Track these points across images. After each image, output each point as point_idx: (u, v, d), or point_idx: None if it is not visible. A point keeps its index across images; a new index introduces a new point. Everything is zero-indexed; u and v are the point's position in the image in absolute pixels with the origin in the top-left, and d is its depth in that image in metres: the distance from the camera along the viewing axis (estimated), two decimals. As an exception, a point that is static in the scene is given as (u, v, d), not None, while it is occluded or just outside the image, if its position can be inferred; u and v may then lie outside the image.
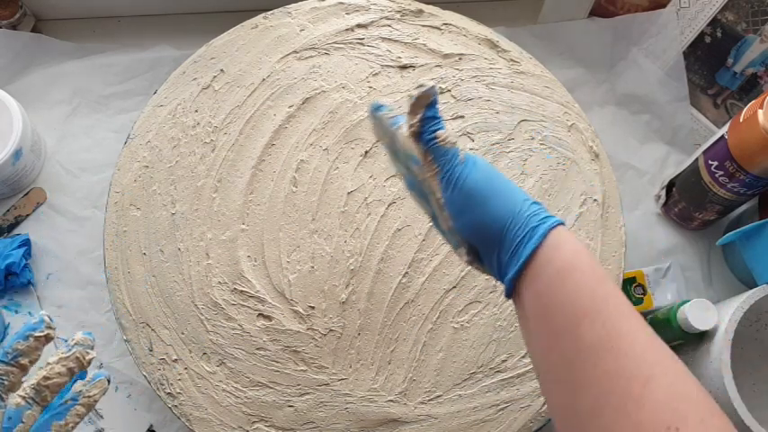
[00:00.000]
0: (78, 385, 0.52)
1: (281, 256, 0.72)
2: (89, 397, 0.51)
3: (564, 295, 0.46)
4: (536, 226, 0.48)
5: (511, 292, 0.50)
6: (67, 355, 0.50)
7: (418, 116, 0.50)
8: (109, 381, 0.53)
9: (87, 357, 0.51)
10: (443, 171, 0.51)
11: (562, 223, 0.49)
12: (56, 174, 0.90)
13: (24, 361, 0.48)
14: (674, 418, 0.39)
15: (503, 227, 0.49)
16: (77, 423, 0.51)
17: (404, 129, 0.53)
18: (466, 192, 0.50)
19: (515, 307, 0.51)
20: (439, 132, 0.50)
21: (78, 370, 0.51)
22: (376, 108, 0.56)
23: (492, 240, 0.50)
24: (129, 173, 0.76)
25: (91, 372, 0.53)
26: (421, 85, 0.49)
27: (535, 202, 0.50)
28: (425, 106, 0.50)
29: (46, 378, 0.49)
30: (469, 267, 0.71)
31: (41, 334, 0.49)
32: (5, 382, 0.48)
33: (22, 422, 0.48)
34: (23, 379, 0.49)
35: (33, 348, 0.49)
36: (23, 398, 0.48)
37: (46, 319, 0.50)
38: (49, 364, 0.50)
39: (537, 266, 0.48)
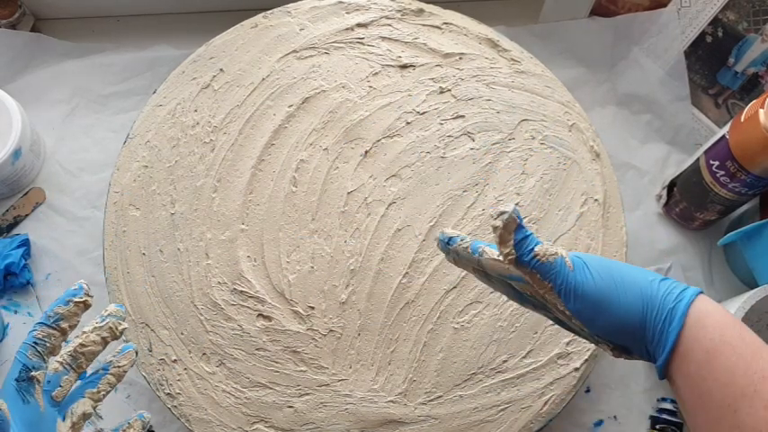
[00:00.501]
0: (108, 356, 0.56)
1: (280, 257, 0.72)
2: (119, 367, 0.56)
3: (716, 377, 0.44)
4: (673, 307, 0.47)
5: (664, 376, 0.48)
6: (101, 324, 0.55)
7: (509, 243, 0.48)
8: (137, 353, 0.57)
9: (120, 328, 0.55)
10: (558, 285, 0.49)
11: (701, 292, 0.48)
12: (55, 173, 0.90)
13: (64, 325, 0.51)
14: None
15: (641, 320, 0.47)
16: (108, 392, 0.55)
17: (488, 253, 0.52)
18: (590, 299, 0.48)
19: (672, 388, 0.49)
20: (538, 249, 0.48)
21: (111, 339, 0.55)
22: (447, 241, 0.55)
23: (634, 336, 0.48)
24: (128, 173, 0.76)
25: (119, 344, 0.58)
26: (502, 213, 0.47)
27: (664, 279, 0.48)
28: (513, 231, 0.48)
29: (82, 345, 0.53)
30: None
31: (81, 300, 0.52)
32: (47, 345, 0.50)
33: (60, 386, 0.52)
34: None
35: (73, 313, 0.52)
36: (61, 363, 0.52)
37: (85, 286, 0.53)
38: (84, 332, 0.54)
39: (685, 349, 0.46)
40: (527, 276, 0.50)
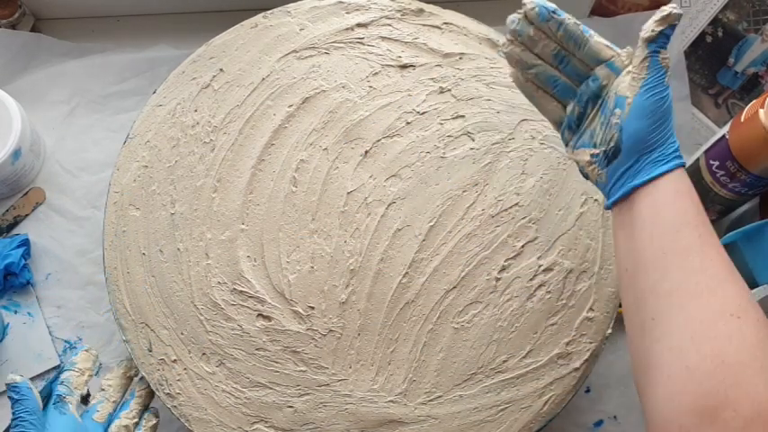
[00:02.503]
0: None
1: (280, 257, 0.72)
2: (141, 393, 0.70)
3: (677, 207, 0.54)
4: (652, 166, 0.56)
5: (617, 201, 0.58)
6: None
7: (660, 28, 0.55)
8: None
9: (131, 372, 0.72)
10: (651, 79, 0.56)
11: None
12: (55, 173, 0.90)
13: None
14: (738, 310, 0.48)
15: (662, 142, 0.56)
16: (141, 411, 0.69)
17: (594, 36, 0.60)
18: (663, 104, 0.57)
19: (615, 215, 0.59)
20: (664, 50, 0.56)
21: (132, 374, 0.72)
22: (552, 11, 0.60)
23: (644, 149, 0.56)
24: (128, 173, 0.76)
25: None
26: (675, 7, 0.55)
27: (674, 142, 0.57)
28: (669, 25, 0.55)
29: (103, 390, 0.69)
30: (469, 267, 0.72)
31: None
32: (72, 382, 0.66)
33: (98, 411, 0.66)
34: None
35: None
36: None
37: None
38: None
39: (633, 205, 0.56)
40: (638, 60, 0.57)
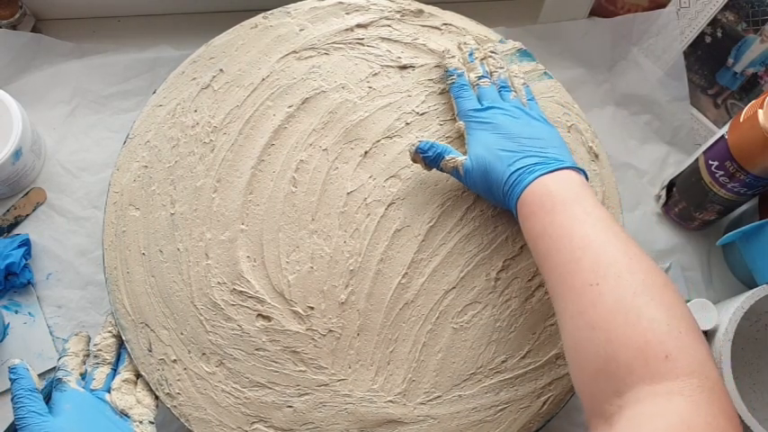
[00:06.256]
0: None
1: (280, 257, 0.72)
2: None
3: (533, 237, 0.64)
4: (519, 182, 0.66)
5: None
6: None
7: (419, 162, 0.74)
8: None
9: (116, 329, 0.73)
10: (457, 176, 0.72)
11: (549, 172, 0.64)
12: (56, 174, 0.90)
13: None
14: (596, 277, 0.55)
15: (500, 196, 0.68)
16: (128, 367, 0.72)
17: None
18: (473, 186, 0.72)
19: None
20: (442, 164, 0.72)
21: (117, 332, 0.73)
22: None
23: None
24: (128, 173, 0.76)
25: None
26: (412, 146, 0.73)
27: (518, 170, 0.66)
28: (419, 158, 0.73)
29: (95, 345, 0.71)
30: (468, 268, 0.72)
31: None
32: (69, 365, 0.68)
33: (94, 378, 0.68)
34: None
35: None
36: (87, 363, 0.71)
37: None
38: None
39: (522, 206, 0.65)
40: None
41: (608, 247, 0.57)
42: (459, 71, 0.76)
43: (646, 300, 0.53)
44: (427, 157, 0.72)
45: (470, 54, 0.77)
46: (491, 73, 0.76)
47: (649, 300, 0.53)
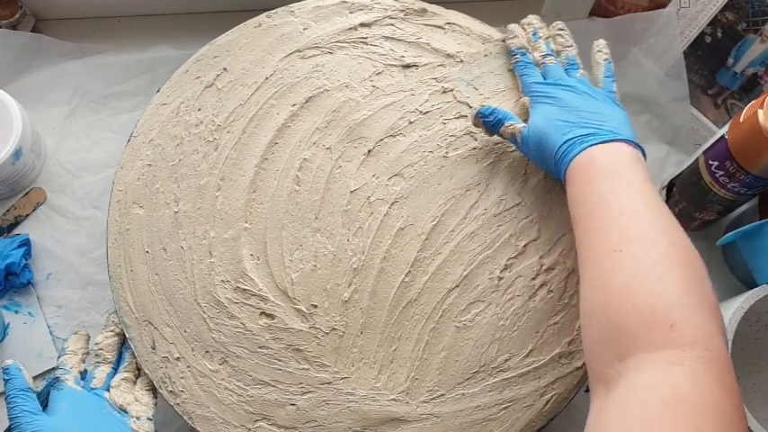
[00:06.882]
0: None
1: (283, 255, 0.72)
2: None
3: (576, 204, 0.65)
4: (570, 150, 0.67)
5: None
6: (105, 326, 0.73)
7: (481, 127, 0.75)
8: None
9: (119, 325, 0.73)
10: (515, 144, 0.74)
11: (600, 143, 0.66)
12: (56, 174, 0.90)
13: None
14: (620, 244, 0.56)
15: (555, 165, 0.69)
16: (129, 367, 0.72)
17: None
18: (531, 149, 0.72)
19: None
20: (502, 130, 0.74)
21: (119, 330, 0.73)
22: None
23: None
24: (132, 171, 0.76)
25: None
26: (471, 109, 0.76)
27: (571, 139, 0.67)
28: (481, 122, 0.75)
29: (97, 344, 0.71)
30: (471, 266, 0.72)
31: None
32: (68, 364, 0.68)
33: (95, 377, 0.68)
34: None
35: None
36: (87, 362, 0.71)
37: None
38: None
39: (570, 175, 0.66)
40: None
41: (641, 219, 0.57)
42: (523, 50, 0.77)
43: (663, 270, 0.53)
44: (488, 122, 0.73)
45: (534, 33, 0.79)
46: (558, 52, 0.77)
47: (666, 271, 0.53)
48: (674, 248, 0.55)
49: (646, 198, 0.59)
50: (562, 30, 0.79)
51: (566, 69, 0.75)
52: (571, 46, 0.77)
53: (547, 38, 0.79)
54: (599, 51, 0.77)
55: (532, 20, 0.80)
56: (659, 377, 0.49)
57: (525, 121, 0.72)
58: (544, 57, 0.76)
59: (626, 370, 0.51)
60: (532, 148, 0.70)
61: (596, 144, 0.64)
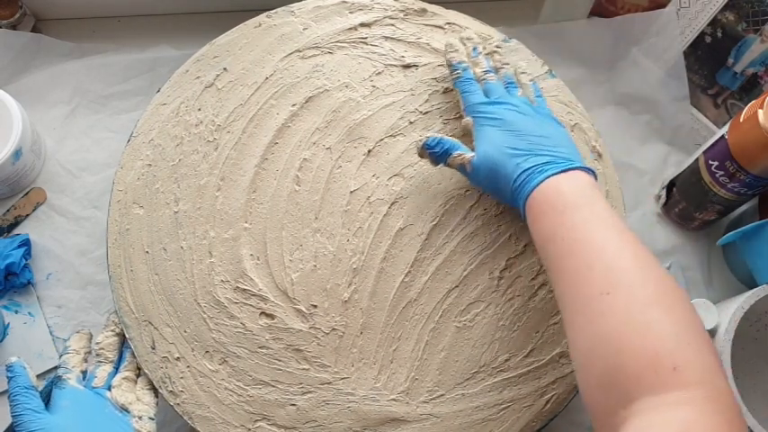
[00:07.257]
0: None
1: (283, 255, 0.72)
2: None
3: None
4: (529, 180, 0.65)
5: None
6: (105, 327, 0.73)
7: (426, 157, 0.73)
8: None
9: (119, 325, 0.73)
10: (465, 174, 0.72)
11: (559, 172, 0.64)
12: (56, 174, 0.90)
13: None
14: (608, 286, 0.54)
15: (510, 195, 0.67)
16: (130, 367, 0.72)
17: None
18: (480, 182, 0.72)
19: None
20: (450, 160, 0.72)
21: (120, 330, 0.73)
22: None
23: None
24: (132, 171, 0.76)
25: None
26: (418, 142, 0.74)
27: (526, 169, 0.66)
28: (425, 153, 0.73)
29: (98, 344, 0.71)
30: (471, 267, 0.72)
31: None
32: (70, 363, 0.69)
33: (96, 377, 0.68)
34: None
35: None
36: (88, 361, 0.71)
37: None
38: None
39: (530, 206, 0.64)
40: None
41: (621, 255, 0.56)
42: (465, 65, 0.75)
43: (657, 312, 0.52)
44: (434, 153, 0.71)
45: (474, 49, 0.76)
46: (497, 69, 0.75)
47: (660, 312, 0.52)
48: (663, 287, 0.54)
49: (620, 230, 0.58)
50: (499, 47, 0.77)
51: (505, 87, 0.73)
52: (508, 64, 0.76)
53: (486, 54, 0.77)
54: (522, 73, 0.75)
55: (471, 35, 0.78)
56: (670, 415, 0.48)
57: (469, 141, 0.71)
58: (485, 73, 0.74)
59: (633, 413, 0.50)
60: (483, 177, 0.68)
61: (556, 174, 0.63)
